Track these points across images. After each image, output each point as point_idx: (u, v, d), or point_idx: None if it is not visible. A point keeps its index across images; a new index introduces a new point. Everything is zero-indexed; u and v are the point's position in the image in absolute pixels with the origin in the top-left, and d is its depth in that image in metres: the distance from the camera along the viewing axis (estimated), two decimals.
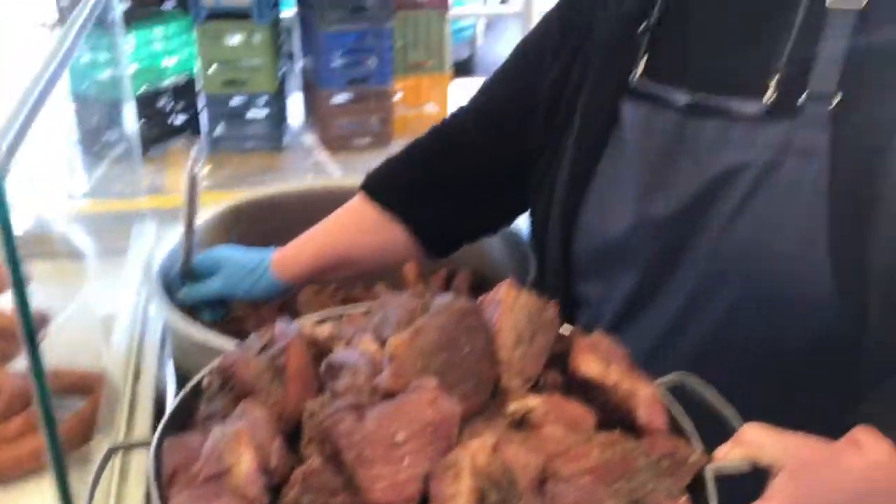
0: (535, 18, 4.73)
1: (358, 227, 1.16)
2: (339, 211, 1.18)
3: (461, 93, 4.82)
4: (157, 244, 1.35)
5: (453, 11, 4.95)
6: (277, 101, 3.91)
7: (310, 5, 3.84)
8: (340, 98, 3.92)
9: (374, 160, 3.93)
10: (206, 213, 1.20)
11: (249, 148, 3.91)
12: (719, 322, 0.84)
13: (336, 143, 3.96)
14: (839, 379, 0.79)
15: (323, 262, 1.15)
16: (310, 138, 4.09)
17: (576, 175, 0.91)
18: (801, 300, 0.75)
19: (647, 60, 0.87)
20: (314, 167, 3.81)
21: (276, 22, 3.91)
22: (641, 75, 0.87)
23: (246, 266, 1.12)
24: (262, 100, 3.85)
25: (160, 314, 1.39)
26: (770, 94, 0.76)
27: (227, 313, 1.20)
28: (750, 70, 0.79)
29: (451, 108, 4.44)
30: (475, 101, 1.13)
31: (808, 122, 0.73)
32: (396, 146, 3.98)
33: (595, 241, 0.90)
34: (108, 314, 1.48)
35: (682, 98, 0.82)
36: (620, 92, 0.88)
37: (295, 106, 4.26)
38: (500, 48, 7.11)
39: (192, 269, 1.16)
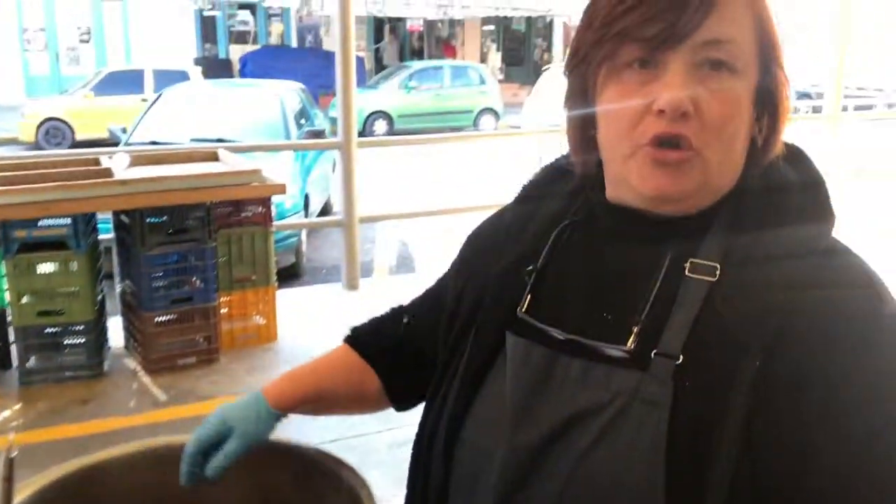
0: (356, 228, 4.90)
1: (344, 370, 1.20)
2: (327, 355, 1.23)
3: (288, 303, 4.89)
4: None
5: (277, 224, 5.10)
6: (96, 327, 3.79)
7: (128, 228, 3.84)
8: (163, 318, 3.86)
9: (200, 381, 3.84)
10: (25, 491, 1.13)
11: (67, 378, 3.74)
12: None
13: (160, 365, 3.86)
14: None
15: (313, 396, 1.17)
16: (132, 362, 3.98)
17: (462, 393, 0.96)
18: None
19: (531, 299, 0.94)
20: (137, 393, 3.68)
21: (94, 247, 3.85)
22: (526, 310, 0.94)
23: (250, 413, 1.11)
24: (80, 327, 3.73)
25: None
26: (631, 343, 0.83)
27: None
28: (616, 320, 0.86)
29: (279, 319, 4.51)
30: (429, 290, 1.21)
31: (655, 376, 0.80)
32: (224, 362, 3.97)
33: (471, 457, 0.94)
34: None
35: (557, 336, 0.89)
36: (508, 322, 0.94)
37: (115, 330, 4.15)
38: (325, 253, 7.33)
39: (202, 439, 1.10)
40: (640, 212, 0.88)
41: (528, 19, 22.97)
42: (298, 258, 6.49)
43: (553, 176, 1.03)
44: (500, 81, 20.12)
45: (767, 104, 0.85)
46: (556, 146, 6.76)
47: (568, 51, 0.91)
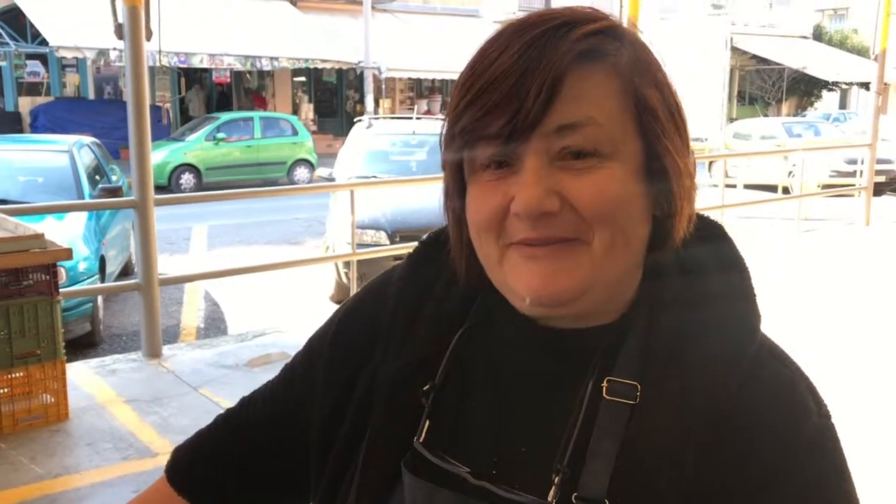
0: (156, 291, 4.62)
1: None
2: (144, 496, 0.98)
3: (80, 377, 4.50)
4: None
5: (65, 291, 4.70)
6: None
7: None
8: None
9: None
10: None
11: None
12: None
13: None
14: None
15: None
16: None
17: None
18: None
19: (430, 425, 0.79)
20: None
21: None
22: (424, 440, 0.78)
23: None
24: None
25: None
26: (552, 497, 0.71)
27: None
28: (532, 455, 0.75)
29: (71, 394, 4.14)
30: (268, 389, 0.97)
31: None
32: (5, 448, 3.57)
33: None
34: None
35: (465, 476, 0.75)
36: (402, 449, 0.79)
37: None
38: (125, 319, 6.86)
39: None
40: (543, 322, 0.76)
41: (339, 71, 23.09)
42: (95, 325, 6.03)
43: (439, 251, 0.85)
44: (313, 133, 20.02)
45: (658, 180, 0.73)
46: (369, 198, 6.76)
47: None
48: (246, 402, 0.99)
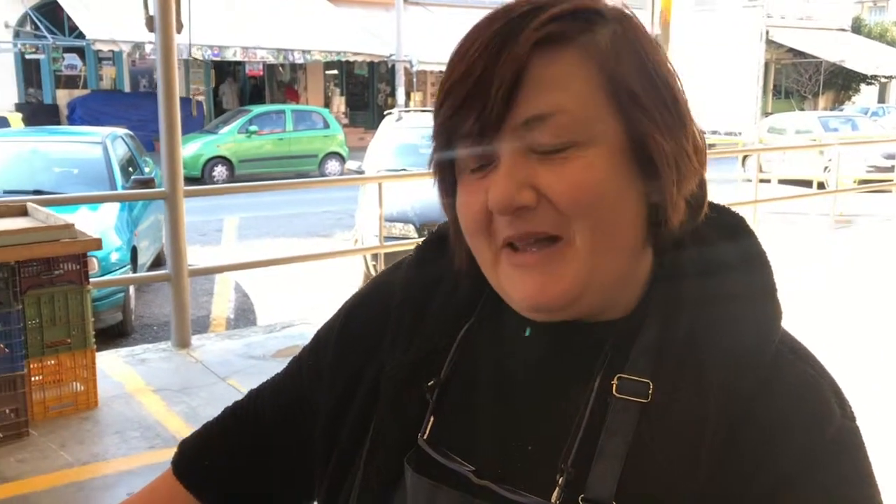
0: (186, 282, 4.65)
1: None
2: (149, 490, 0.97)
3: (111, 364, 4.55)
4: None
5: (96, 280, 4.75)
6: None
7: None
8: None
9: (5, 459, 3.47)
10: None
11: None
12: None
13: None
14: None
15: None
16: None
17: None
18: None
19: (434, 421, 0.77)
20: None
21: None
22: (428, 436, 0.77)
23: None
24: None
25: None
26: (556, 499, 0.69)
27: None
28: (538, 453, 0.72)
29: (101, 382, 4.19)
30: (275, 382, 0.96)
31: None
32: (36, 436, 3.61)
33: None
34: None
35: (468, 476, 0.73)
36: (406, 446, 0.77)
37: None
38: (157, 309, 6.94)
39: None
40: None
41: (371, 64, 23.13)
42: (126, 315, 6.10)
43: (448, 245, 0.82)
44: (344, 126, 20.08)
45: (646, 166, 0.69)
46: (398, 191, 6.75)
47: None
48: (254, 395, 0.98)
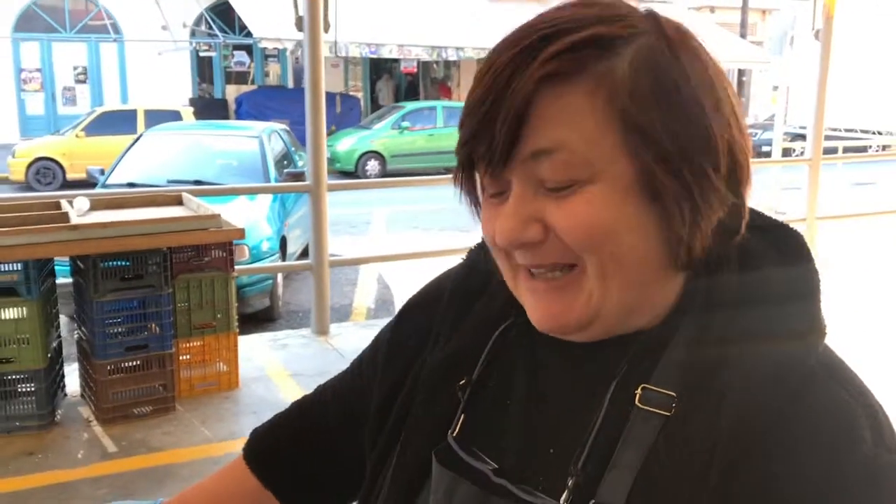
0: (326, 272, 4.80)
1: (239, 496, 1.04)
2: (221, 474, 1.05)
3: (252, 349, 4.80)
4: None
5: (241, 268, 5.02)
6: (48, 376, 3.69)
7: (83, 274, 3.77)
8: (117, 366, 3.77)
9: (153, 431, 3.74)
10: None
11: (16, 428, 3.63)
12: None
13: (113, 415, 3.75)
14: None
15: None
16: (86, 411, 3.87)
17: None
18: None
19: (464, 420, 0.79)
20: (86, 444, 3.57)
21: (48, 294, 3.78)
22: (458, 433, 0.79)
23: None
24: (30, 376, 3.64)
25: None
26: (566, 497, 0.70)
27: None
28: (560, 456, 0.73)
29: (244, 365, 4.42)
30: (339, 378, 1.02)
31: None
32: (181, 411, 3.87)
33: None
34: None
35: (488, 474, 0.76)
36: (435, 442, 0.80)
37: (72, 378, 4.06)
38: (304, 296, 7.24)
39: None
40: None
41: None
42: (274, 301, 6.40)
43: None
44: None
45: (654, 199, 0.67)
46: None
47: None
48: (320, 390, 1.03)
